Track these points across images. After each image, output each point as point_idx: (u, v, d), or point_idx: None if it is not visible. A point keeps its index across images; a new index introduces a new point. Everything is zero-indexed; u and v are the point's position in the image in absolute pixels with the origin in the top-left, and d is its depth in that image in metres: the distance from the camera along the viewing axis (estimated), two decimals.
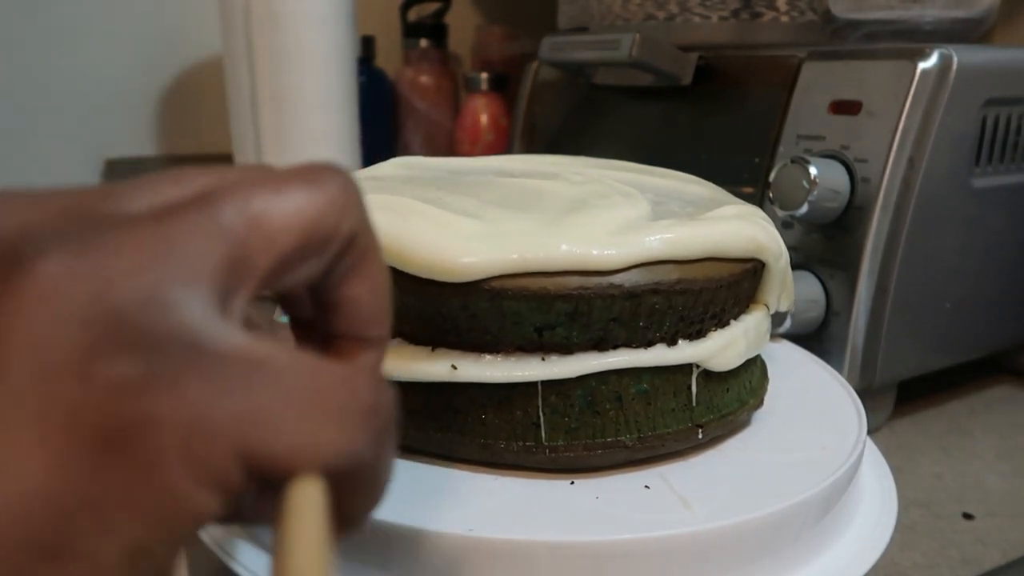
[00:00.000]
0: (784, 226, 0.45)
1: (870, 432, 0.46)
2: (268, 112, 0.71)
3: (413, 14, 0.91)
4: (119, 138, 0.91)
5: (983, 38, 0.54)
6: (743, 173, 0.48)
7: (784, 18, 0.52)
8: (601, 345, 0.27)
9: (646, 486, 0.27)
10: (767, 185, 0.43)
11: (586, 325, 0.27)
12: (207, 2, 0.89)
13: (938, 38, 0.49)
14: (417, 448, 0.29)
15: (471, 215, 0.28)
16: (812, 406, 0.34)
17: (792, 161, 0.42)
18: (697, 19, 0.54)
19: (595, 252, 0.26)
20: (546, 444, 0.27)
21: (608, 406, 0.28)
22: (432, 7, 0.91)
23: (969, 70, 0.41)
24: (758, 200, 0.47)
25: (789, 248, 0.44)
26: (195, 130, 0.94)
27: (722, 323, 0.30)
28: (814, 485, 0.27)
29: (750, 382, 0.32)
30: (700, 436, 0.29)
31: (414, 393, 0.28)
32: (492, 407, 0.27)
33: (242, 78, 0.71)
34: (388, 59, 0.94)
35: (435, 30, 0.91)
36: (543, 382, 0.27)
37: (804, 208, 0.41)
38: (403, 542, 0.24)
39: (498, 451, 0.28)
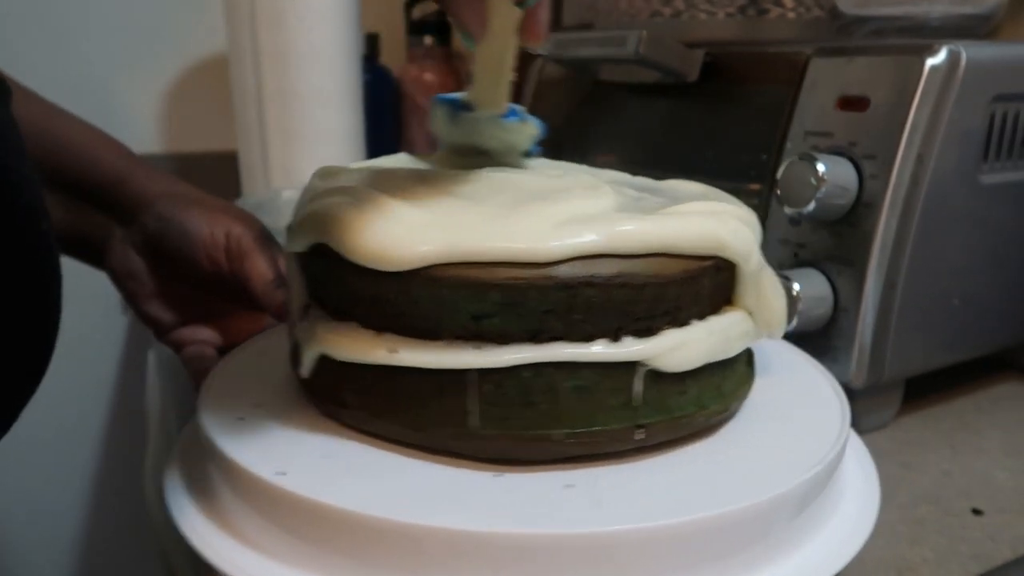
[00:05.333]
0: (792, 223, 0.45)
1: (876, 429, 0.46)
2: (273, 109, 0.71)
3: (417, 12, 0.91)
4: (124, 136, 0.91)
5: (991, 34, 0.54)
6: (750, 170, 0.48)
7: (791, 15, 0.52)
8: (538, 337, 0.27)
9: (568, 484, 0.27)
10: (775, 182, 0.43)
11: (521, 316, 0.27)
12: (212, 0, 0.89)
13: (946, 34, 0.49)
14: (363, 428, 0.30)
15: (422, 205, 0.28)
16: (796, 405, 0.33)
17: (800, 158, 0.42)
18: (703, 16, 0.54)
19: (528, 244, 0.26)
20: (478, 432, 0.28)
21: (540, 399, 0.27)
22: (436, 5, 0.91)
23: (977, 66, 0.41)
24: (765, 197, 0.47)
25: (797, 245, 0.44)
26: (200, 128, 0.94)
27: (678, 321, 0.29)
28: (744, 499, 0.26)
29: (719, 387, 0.30)
30: (641, 437, 0.28)
31: (362, 375, 0.29)
32: (429, 392, 0.28)
33: (247, 76, 0.71)
34: (392, 56, 0.94)
35: (439, 27, 0.91)
36: (479, 371, 0.27)
37: (812, 205, 0.41)
38: (311, 514, 0.25)
39: (432, 436, 0.28)
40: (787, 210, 0.43)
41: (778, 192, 0.43)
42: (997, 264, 0.47)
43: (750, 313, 0.32)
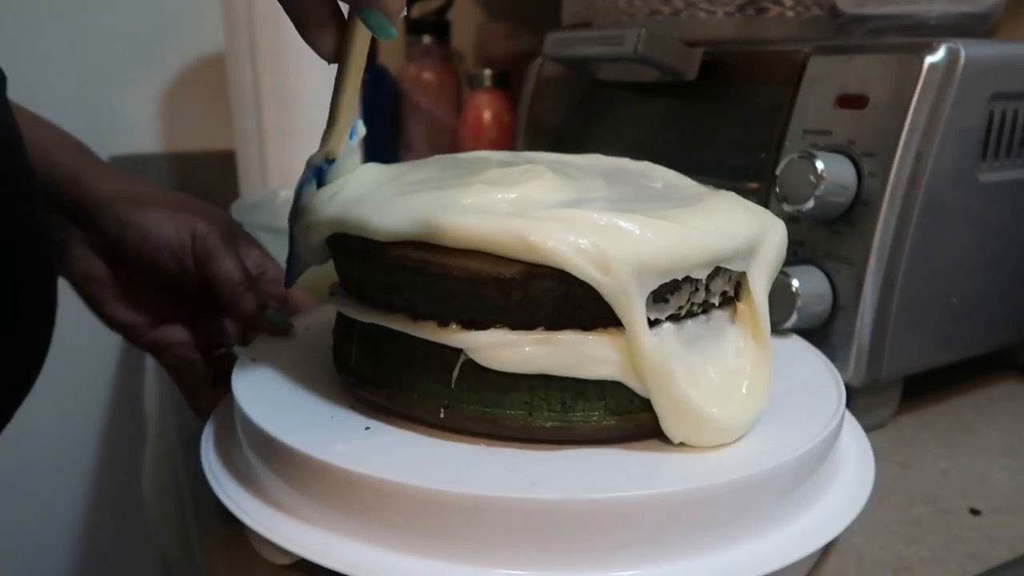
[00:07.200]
0: (791, 221, 0.44)
1: (874, 429, 0.46)
2: (271, 109, 0.71)
3: (416, 11, 0.91)
4: (122, 135, 0.91)
5: (989, 32, 0.54)
6: (749, 169, 0.48)
7: (790, 13, 0.52)
8: (391, 307, 0.32)
9: (366, 427, 0.32)
10: (774, 180, 0.43)
11: (377, 286, 0.32)
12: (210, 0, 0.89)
13: (944, 33, 0.49)
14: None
15: (381, 182, 0.34)
16: (794, 387, 0.35)
17: (799, 156, 0.42)
18: (702, 14, 0.54)
19: (372, 221, 0.30)
20: (352, 367, 0.34)
21: (385, 357, 0.32)
22: (435, 4, 0.91)
23: (976, 64, 0.41)
24: (764, 195, 0.47)
25: (796, 243, 0.44)
26: (197, 127, 0.94)
27: (513, 324, 0.30)
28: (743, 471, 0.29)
29: (563, 402, 0.30)
30: (443, 416, 0.31)
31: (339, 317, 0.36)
32: (344, 331, 0.35)
33: (245, 75, 0.71)
34: (391, 56, 0.94)
35: (438, 27, 0.91)
36: (359, 323, 0.33)
37: (811, 203, 0.41)
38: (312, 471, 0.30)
39: (339, 363, 0.35)
40: (786, 208, 0.43)
41: (777, 190, 0.43)
42: (995, 263, 0.47)
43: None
